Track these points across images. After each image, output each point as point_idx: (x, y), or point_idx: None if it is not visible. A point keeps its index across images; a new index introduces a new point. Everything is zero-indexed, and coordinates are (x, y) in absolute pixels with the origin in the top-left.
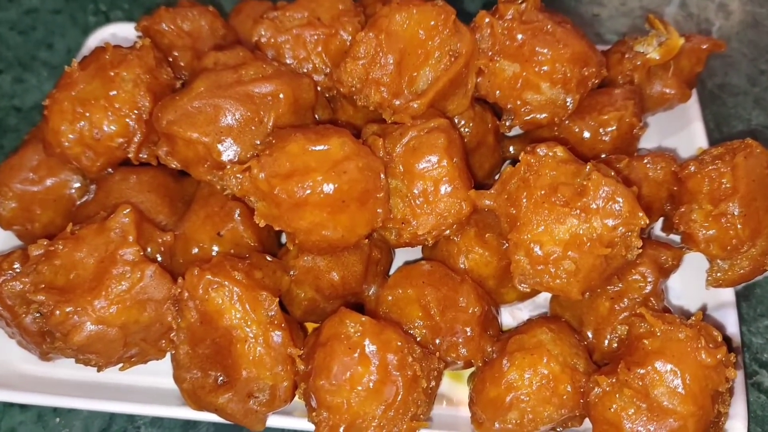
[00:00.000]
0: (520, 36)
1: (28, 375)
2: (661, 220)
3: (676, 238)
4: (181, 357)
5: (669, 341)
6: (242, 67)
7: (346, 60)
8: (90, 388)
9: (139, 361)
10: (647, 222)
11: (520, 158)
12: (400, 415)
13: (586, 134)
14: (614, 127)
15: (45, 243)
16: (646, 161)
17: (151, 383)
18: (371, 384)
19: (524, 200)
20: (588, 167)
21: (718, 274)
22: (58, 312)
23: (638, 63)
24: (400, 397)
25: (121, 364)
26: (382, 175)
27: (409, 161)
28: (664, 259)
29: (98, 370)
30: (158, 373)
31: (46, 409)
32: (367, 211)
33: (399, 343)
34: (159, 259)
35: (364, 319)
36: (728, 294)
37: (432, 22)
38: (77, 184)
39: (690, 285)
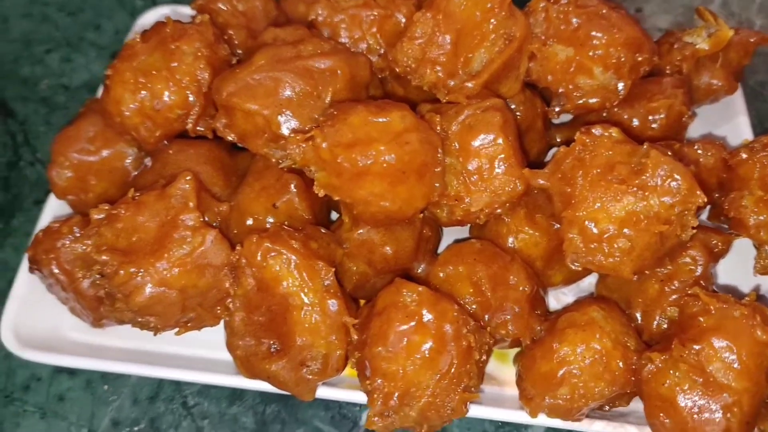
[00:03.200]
0: (575, 20)
1: (78, 342)
2: (708, 208)
3: (722, 227)
4: (236, 324)
5: (724, 319)
6: (301, 43)
7: (403, 40)
8: (138, 355)
9: (195, 326)
10: (705, 200)
11: (575, 138)
12: (454, 385)
13: (635, 121)
14: (663, 115)
15: (107, 207)
16: (696, 147)
17: (198, 354)
18: (427, 353)
19: (580, 178)
20: (645, 146)
21: (767, 261)
22: (122, 272)
23: (687, 53)
24: (454, 367)
25: (176, 329)
26: (439, 150)
27: (465, 139)
28: (714, 243)
29: (155, 333)
30: (204, 345)
31: (94, 376)
32: (424, 184)
33: (455, 314)
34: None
35: (421, 288)
36: None
37: (488, 5)
38: (132, 156)
39: (736, 272)
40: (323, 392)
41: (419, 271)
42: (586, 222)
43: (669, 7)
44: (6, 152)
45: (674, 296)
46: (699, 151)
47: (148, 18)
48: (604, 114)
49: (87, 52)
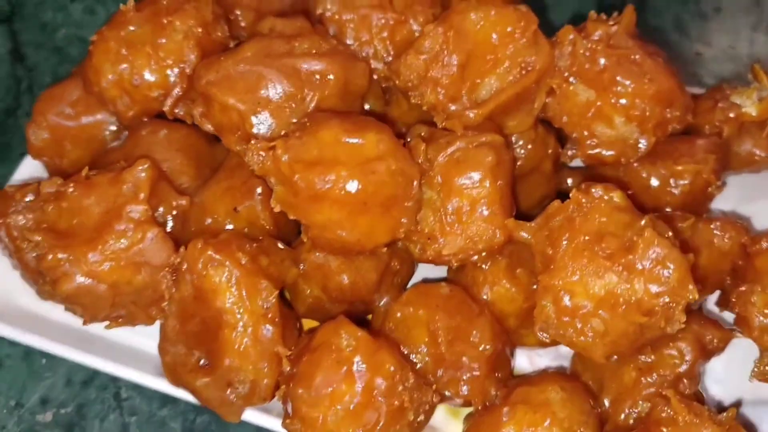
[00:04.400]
0: (602, 60)
1: (25, 310)
2: (717, 293)
3: (730, 316)
4: (168, 329)
5: None
6: (297, 38)
7: (408, 52)
8: (80, 336)
9: (127, 323)
10: (696, 297)
11: (570, 195)
12: None
13: (654, 182)
14: (687, 181)
15: (59, 182)
16: (713, 226)
17: (142, 345)
18: (352, 405)
19: (564, 242)
20: (644, 221)
21: (767, 369)
22: (50, 256)
23: (731, 115)
24: (380, 426)
25: (107, 322)
26: (415, 183)
27: (450, 173)
28: (709, 339)
29: (83, 323)
30: (151, 336)
31: (35, 348)
32: (390, 219)
33: (392, 368)
34: (170, 222)
35: (360, 333)
36: None
37: (509, 28)
38: (112, 128)
39: (735, 370)
40: (252, 416)
41: (381, 304)
42: (562, 292)
43: (734, 55)
44: (7, 97)
45: (650, 390)
46: (716, 231)
47: None
48: (621, 170)
49: (109, 6)
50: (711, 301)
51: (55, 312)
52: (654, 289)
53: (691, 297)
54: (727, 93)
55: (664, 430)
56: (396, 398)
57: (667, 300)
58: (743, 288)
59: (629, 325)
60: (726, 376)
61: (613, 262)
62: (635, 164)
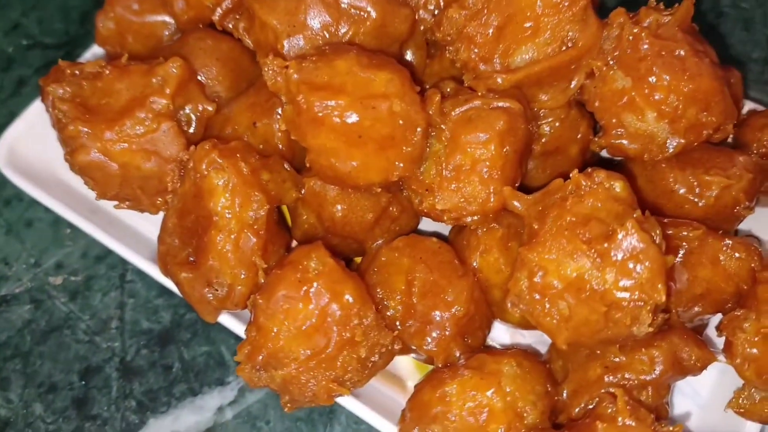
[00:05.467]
0: (644, 47)
1: (61, 180)
2: (720, 316)
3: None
4: (168, 220)
5: None
6: None
7: (452, 5)
8: (100, 214)
9: (134, 207)
10: (663, 299)
11: (571, 175)
12: (322, 369)
13: (680, 188)
14: (714, 194)
15: (102, 63)
16: (724, 243)
17: (148, 231)
18: (305, 325)
19: (551, 219)
20: (636, 214)
21: (745, 402)
22: (72, 127)
23: None
24: (328, 351)
25: (115, 202)
26: (419, 130)
27: (459, 130)
28: (687, 356)
29: (96, 198)
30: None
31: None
32: (383, 159)
33: (350, 300)
34: (194, 123)
35: (329, 260)
36: (753, 428)
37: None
38: (171, 30)
39: (719, 400)
40: (227, 321)
41: (374, 246)
42: (536, 268)
43: None
44: None
45: (611, 389)
46: (725, 249)
47: None
48: (648, 168)
49: None
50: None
51: (80, 185)
52: (623, 282)
53: (658, 298)
54: None
55: (600, 425)
56: (349, 330)
57: (635, 297)
58: (738, 312)
59: (591, 314)
60: (710, 402)
61: (589, 247)
62: (663, 165)
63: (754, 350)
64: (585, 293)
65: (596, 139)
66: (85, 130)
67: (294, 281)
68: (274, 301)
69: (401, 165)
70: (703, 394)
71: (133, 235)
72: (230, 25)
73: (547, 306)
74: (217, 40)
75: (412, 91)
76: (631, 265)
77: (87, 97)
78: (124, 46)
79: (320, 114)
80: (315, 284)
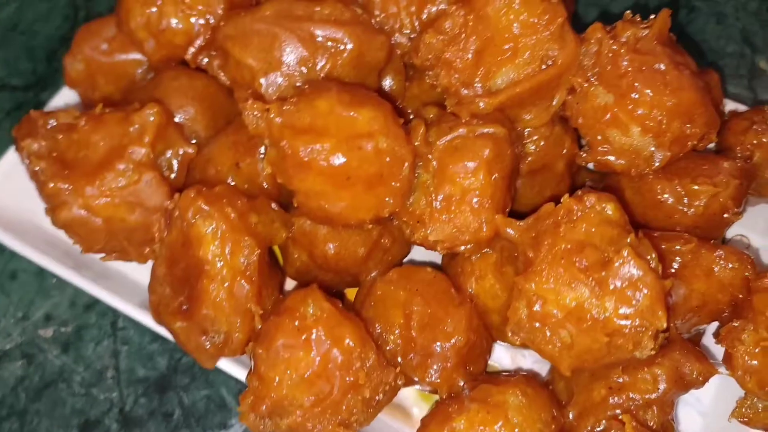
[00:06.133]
0: (624, 63)
1: (43, 231)
2: (716, 324)
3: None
4: (158, 270)
5: None
6: (319, 3)
7: (428, 30)
8: (84, 263)
9: (121, 258)
10: (665, 326)
11: (562, 200)
12: (328, 415)
13: (668, 198)
14: (702, 203)
15: (75, 114)
16: (717, 254)
17: (139, 278)
18: (307, 373)
19: (546, 247)
20: (630, 238)
21: (748, 410)
22: (51, 184)
23: (765, 140)
24: (333, 396)
25: (102, 255)
26: (406, 165)
27: (446, 160)
28: (689, 371)
29: (81, 252)
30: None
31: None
32: (373, 197)
33: (351, 344)
34: (176, 167)
35: (326, 305)
36: None
37: (534, 19)
38: (143, 68)
39: (722, 406)
40: (227, 366)
41: (369, 278)
42: (535, 297)
43: None
44: (64, 25)
45: (617, 410)
46: (719, 260)
47: None
48: (635, 181)
49: None
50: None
51: (64, 235)
52: (623, 310)
53: (660, 324)
54: (767, 115)
55: None
56: (351, 374)
57: (636, 323)
58: (736, 324)
59: (593, 343)
60: (712, 410)
61: (587, 276)
62: (650, 176)
63: (755, 362)
64: (586, 323)
65: (583, 155)
66: (65, 186)
67: (293, 329)
68: (274, 351)
69: (391, 201)
70: (705, 402)
71: (123, 283)
72: (204, 62)
73: (548, 334)
74: (192, 78)
75: (396, 125)
76: (629, 293)
77: (63, 151)
78: (96, 88)
79: (306, 158)
80: (314, 331)
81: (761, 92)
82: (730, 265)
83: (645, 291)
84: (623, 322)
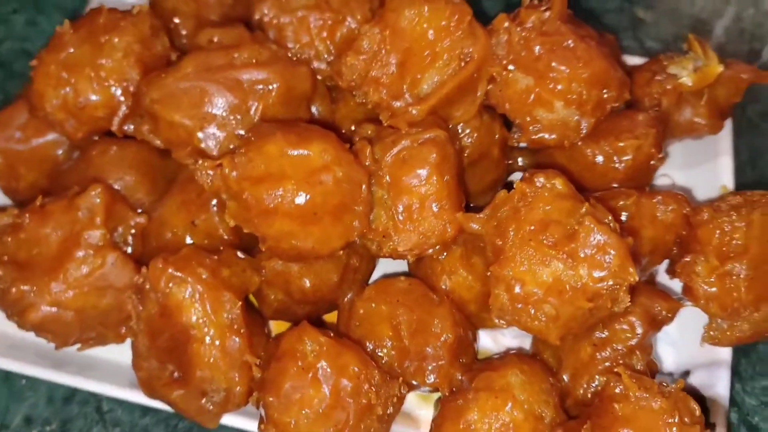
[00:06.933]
0: (537, 48)
1: (7, 335)
2: (666, 261)
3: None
4: (140, 346)
5: (641, 410)
6: (237, 48)
7: (348, 53)
8: (56, 356)
9: (98, 343)
10: (636, 279)
11: (515, 185)
12: None
13: (599, 159)
14: (630, 156)
15: (15, 213)
16: (656, 200)
17: (117, 359)
18: (321, 408)
19: (511, 233)
20: (584, 208)
21: (716, 333)
22: (14, 290)
23: (668, 87)
24: (350, 423)
25: (78, 345)
26: (363, 187)
27: (397, 173)
28: (658, 310)
29: (56, 348)
30: (127, 349)
31: None
32: (341, 225)
33: (356, 369)
34: (131, 240)
35: (323, 339)
36: (725, 352)
37: (444, 22)
38: (64, 147)
39: (688, 333)
40: (230, 420)
41: (346, 300)
42: (513, 282)
43: (676, 17)
44: None
45: (606, 364)
46: (659, 206)
47: None
48: (566, 150)
49: (52, 15)
50: (662, 271)
51: (31, 335)
52: (597, 274)
53: (632, 279)
54: (664, 64)
55: (617, 405)
56: (363, 397)
57: (610, 283)
58: (687, 258)
59: (577, 309)
60: (680, 338)
61: (557, 251)
62: (579, 143)
63: (713, 289)
64: (567, 293)
65: (515, 136)
66: (28, 288)
67: (297, 371)
68: (284, 395)
69: (358, 224)
70: (672, 333)
71: (96, 366)
72: (131, 129)
73: (533, 312)
74: (122, 147)
75: (346, 152)
76: (599, 258)
77: (14, 253)
78: (19, 178)
79: (271, 205)
80: (319, 367)
81: (646, 40)
82: (670, 207)
83: (612, 252)
84: (600, 285)
